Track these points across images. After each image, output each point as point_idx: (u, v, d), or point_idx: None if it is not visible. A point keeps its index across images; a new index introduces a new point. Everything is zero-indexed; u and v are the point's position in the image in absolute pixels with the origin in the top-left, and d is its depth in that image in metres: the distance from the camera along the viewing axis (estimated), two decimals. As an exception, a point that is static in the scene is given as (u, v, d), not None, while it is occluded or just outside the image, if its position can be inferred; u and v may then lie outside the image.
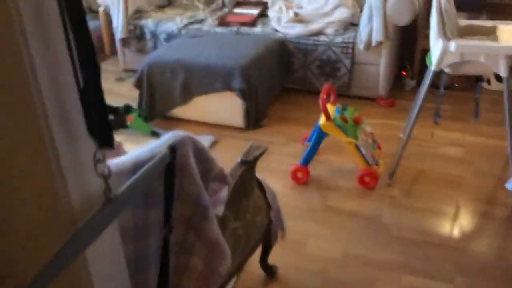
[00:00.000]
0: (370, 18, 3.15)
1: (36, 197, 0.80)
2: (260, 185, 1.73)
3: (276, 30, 3.51)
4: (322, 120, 2.42)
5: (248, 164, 1.57)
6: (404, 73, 3.66)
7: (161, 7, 4.17)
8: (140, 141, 2.88)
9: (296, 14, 3.56)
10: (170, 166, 1.10)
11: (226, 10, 4.03)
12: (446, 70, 2.30)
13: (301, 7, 3.68)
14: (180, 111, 3.19)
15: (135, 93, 3.25)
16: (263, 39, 3.37)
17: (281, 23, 3.52)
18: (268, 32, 3.51)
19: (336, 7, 3.48)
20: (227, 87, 2.97)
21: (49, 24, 0.71)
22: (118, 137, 2.66)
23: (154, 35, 3.82)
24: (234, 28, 3.58)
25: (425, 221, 2.25)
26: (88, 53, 0.73)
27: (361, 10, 3.33)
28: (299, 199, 2.45)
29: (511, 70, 2.19)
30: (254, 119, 3.09)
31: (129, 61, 4.08)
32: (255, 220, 1.65)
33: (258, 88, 3.03)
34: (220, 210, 1.31)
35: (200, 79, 3.02)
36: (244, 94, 2.96)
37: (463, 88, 3.48)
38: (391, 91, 3.47)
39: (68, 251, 0.76)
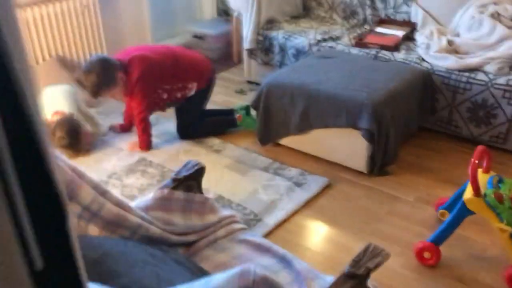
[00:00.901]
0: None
1: None
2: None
3: (423, 59, 2.95)
4: (468, 193, 1.86)
5: (358, 279, 1.14)
6: None
7: (295, 18, 3.83)
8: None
9: (450, 43, 2.96)
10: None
11: (366, 28, 3.55)
12: None
13: (457, 35, 3.07)
14: (294, 141, 2.82)
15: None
16: (405, 69, 2.84)
17: (430, 51, 2.95)
18: (412, 60, 2.97)
19: (502, 39, 2.81)
20: (352, 125, 2.52)
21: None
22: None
23: (283, 49, 3.49)
24: (373, 51, 3.10)
25: None
26: (48, 210, 0.38)
27: (539, 47, 2.63)
28: (422, 287, 1.92)
29: None
30: (380, 164, 2.60)
31: (254, 73, 3.82)
32: None
33: (390, 129, 2.53)
34: None
35: (321, 110, 2.61)
36: (372, 136, 2.49)
37: None
38: None
39: None
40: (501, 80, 2.66)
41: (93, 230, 1.17)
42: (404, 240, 2.13)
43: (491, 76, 2.69)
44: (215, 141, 2.95)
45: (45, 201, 0.38)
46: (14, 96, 0.35)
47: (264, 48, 3.62)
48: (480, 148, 1.93)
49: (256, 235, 1.89)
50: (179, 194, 1.43)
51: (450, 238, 1.96)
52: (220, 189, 2.45)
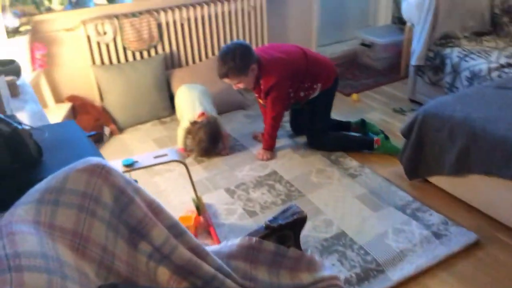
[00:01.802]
0: None
1: None
2: None
3: None
4: None
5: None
6: None
7: (478, 35, 3.30)
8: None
9: None
10: None
11: None
12: None
13: None
14: (446, 181, 2.41)
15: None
16: None
17: None
18: None
19: None
20: (523, 179, 2.03)
21: None
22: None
23: (455, 70, 3.03)
24: None
25: None
26: None
27: None
28: None
29: None
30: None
31: (418, 92, 3.42)
32: None
33: None
34: None
35: (485, 154, 2.16)
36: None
37: None
38: None
39: None
40: None
41: (164, 272, 1.08)
42: None
43: None
44: (353, 164, 2.70)
45: None
46: None
47: (433, 66, 3.20)
48: None
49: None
50: (270, 245, 1.26)
51: None
52: (344, 223, 2.21)
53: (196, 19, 3.38)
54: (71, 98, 3.18)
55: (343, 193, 2.43)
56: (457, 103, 2.41)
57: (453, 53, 3.06)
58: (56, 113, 2.97)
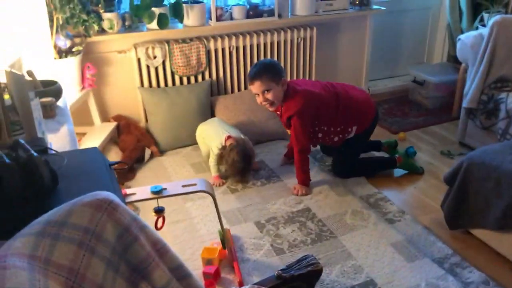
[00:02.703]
0: None
1: None
2: None
3: None
4: None
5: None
6: None
7: (538, 80, 3.11)
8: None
9: None
10: None
11: None
12: None
13: None
14: (490, 235, 2.25)
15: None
16: None
17: None
18: None
19: None
20: None
21: None
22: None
23: (510, 116, 2.86)
24: None
25: None
26: None
27: None
28: None
29: None
30: None
31: (469, 135, 3.25)
32: None
33: None
34: None
35: (534, 211, 2.00)
36: None
37: None
38: None
39: None
40: None
41: (164, 316, 1.05)
42: None
43: None
44: (393, 208, 2.57)
45: None
46: None
47: (486, 110, 3.04)
48: None
49: None
50: None
51: None
52: (374, 271, 2.10)
53: (244, 48, 3.41)
54: (117, 118, 3.27)
55: (378, 239, 2.31)
56: (507, 152, 2.26)
57: (509, 98, 2.89)
58: (101, 132, 3.05)
